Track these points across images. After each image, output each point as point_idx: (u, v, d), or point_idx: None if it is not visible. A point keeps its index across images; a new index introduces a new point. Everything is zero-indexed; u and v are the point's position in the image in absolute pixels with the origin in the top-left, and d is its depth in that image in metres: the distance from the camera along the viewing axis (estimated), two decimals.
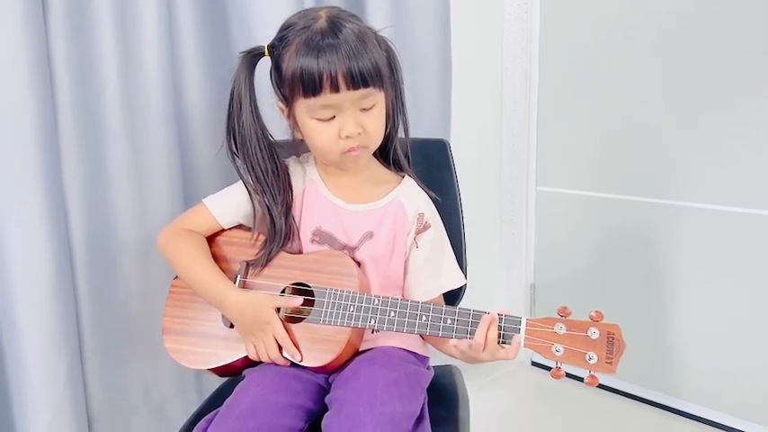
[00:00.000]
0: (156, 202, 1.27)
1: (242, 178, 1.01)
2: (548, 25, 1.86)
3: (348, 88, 0.89)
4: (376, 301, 0.92)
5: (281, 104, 0.98)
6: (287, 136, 1.03)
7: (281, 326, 0.94)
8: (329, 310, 0.93)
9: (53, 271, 1.13)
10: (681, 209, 1.64)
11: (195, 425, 0.92)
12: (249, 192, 1.01)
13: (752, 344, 1.57)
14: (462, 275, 1.09)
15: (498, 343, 0.87)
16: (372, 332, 1.00)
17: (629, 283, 1.77)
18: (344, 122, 0.93)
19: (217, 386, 1.13)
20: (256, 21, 1.30)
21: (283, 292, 0.98)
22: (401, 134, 1.07)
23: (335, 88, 0.89)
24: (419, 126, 1.50)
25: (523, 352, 0.86)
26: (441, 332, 0.89)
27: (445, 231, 1.09)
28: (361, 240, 1.01)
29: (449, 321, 0.89)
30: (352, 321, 0.92)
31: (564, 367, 0.86)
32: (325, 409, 0.90)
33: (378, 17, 1.44)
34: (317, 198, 1.03)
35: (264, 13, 1.29)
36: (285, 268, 1.00)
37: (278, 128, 1.02)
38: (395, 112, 1.03)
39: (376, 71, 0.91)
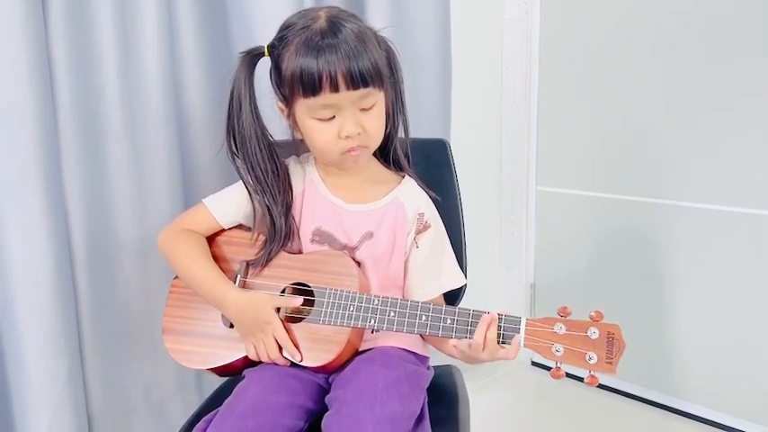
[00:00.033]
0: (156, 202, 1.27)
1: (242, 178, 1.01)
2: (548, 25, 1.86)
3: (348, 88, 0.89)
4: (376, 301, 0.92)
5: (280, 104, 0.98)
6: (287, 136, 1.03)
7: (281, 326, 0.94)
8: (329, 310, 0.93)
9: (53, 271, 1.13)
10: (681, 209, 1.64)
11: (195, 425, 0.92)
12: (249, 192, 1.01)
13: (752, 344, 1.57)
14: (462, 275, 1.09)
15: (498, 343, 0.87)
16: (372, 332, 1.00)
17: (629, 283, 1.77)
18: (344, 122, 0.93)
19: (217, 386, 1.13)
20: (256, 21, 1.30)
21: (283, 291, 0.99)
22: (401, 134, 1.07)
23: (335, 88, 0.89)
24: (419, 126, 1.50)
25: (523, 352, 0.86)
26: (440, 332, 0.89)
27: (445, 231, 1.09)
28: (361, 240, 1.01)
29: (448, 321, 0.89)
30: (352, 321, 0.92)
31: (564, 367, 0.86)
32: (325, 409, 0.90)
33: (378, 17, 1.44)
34: (316, 198, 1.03)
35: (264, 13, 1.29)
36: (285, 268, 1.00)
37: (278, 128, 1.02)
38: (395, 111, 1.03)
39: (376, 71, 0.91)
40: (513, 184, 2.00)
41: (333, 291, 0.94)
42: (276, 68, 0.96)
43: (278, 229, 1.00)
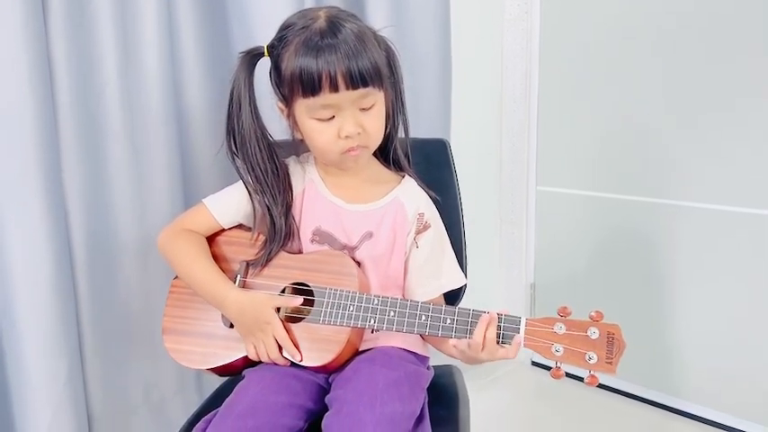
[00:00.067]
0: (156, 202, 1.27)
1: (242, 178, 1.01)
2: (548, 25, 1.86)
3: (347, 88, 0.89)
4: (375, 301, 0.92)
5: (280, 104, 0.98)
6: (287, 136, 1.03)
7: (281, 326, 0.94)
8: (329, 309, 0.93)
9: (53, 271, 1.13)
10: (681, 209, 1.64)
11: (195, 425, 0.92)
12: (249, 192, 1.01)
13: (752, 344, 1.57)
14: (462, 275, 1.09)
15: (498, 343, 0.87)
16: (372, 332, 1.00)
17: (629, 283, 1.77)
18: (344, 122, 0.93)
19: (217, 386, 1.13)
20: (256, 21, 1.30)
21: (283, 291, 0.98)
22: (401, 134, 1.07)
23: (335, 88, 0.89)
24: (419, 126, 1.50)
25: (523, 352, 0.86)
26: (440, 332, 0.89)
27: (445, 231, 1.09)
28: (360, 240, 1.01)
29: (448, 321, 0.89)
30: (352, 321, 0.92)
31: (564, 367, 0.86)
32: (325, 408, 0.90)
33: (378, 17, 1.44)
34: (316, 198, 1.03)
35: (264, 13, 1.29)
36: (285, 268, 1.00)
37: (278, 128, 1.02)
38: (395, 111, 1.03)
39: (375, 71, 0.91)
40: (513, 184, 2.00)
41: (333, 291, 0.94)
42: (276, 68, 0.96)
43: (278, 229, 1.00)
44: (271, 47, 0.96)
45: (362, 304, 0.92)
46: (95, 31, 1.18)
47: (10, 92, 1.06)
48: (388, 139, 1.04)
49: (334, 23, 0.90)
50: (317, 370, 0.95)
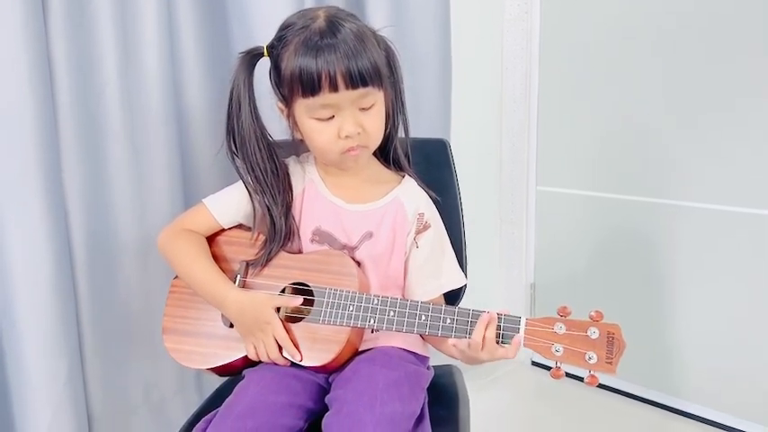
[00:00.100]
0: (156, 202, 1.27)
1: (242, 178, 1.01)
2: (548, 25, 1.86)
3: (347, 88, 0.89)
4: (375, 301, 0.92)
5: (280, 104, 0.98)
6: (287, 136, 1.03)
7: (281, 326, 0.94)
8: (329, 309, 0.93)
9: (53, 271, 1.13)
10: (681, 209, 1.64)
11: (195, 425, 0.92)
12: (249, 192, 1.01)
13: (752, 344, 1.57)
14: (462, 275, 1.09)
15: (498, 343, 0.87)
16: (372, 332, 1.00)
17: (629, 283, 1.77)
18: (344, 122, 0.93)
19: (217, 386, 1.13)
20: (256, 21, 1.30)
21: (283, 291, 0.98)
22: (401, 134, 1.06)
23: (334, 88, 0.89)
24: (419, 126, 1.50)
25: (523, 352, 0.86)
26: (440, 332, 0.89)
27: (445, 231, 1.09)
28: (360, 240, 1.01)
29: (448, 321, 0.89)
30: (352, 321, 0.92)
31: (564, 367, 0.86)
32: (325, 408, 0.90)
33: (378, 17, 1.44)
34: (316, 198, 1.03)
35: (264, 13, 1.29)
36: (285, 268, 1.00)
37: (278, 128, 1.02)
38: (395, 111, 1.03)
39: (375, 70, 0.91)
40: (513, 184, 2.00)
41: (332, 290, 0.94)
42: (275, 68, 0.96)
43: (278, 229, 1.00)
44: (270, 47, 0.96)
45: (362, 304, 0.92)
46: (95, 31, 1.18)
47: (10, 92, 1.06)
48: (388, 138, 1.04)
49: (334, 23, 0.90)
50: (316, 370, 0.95)
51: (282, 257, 1.01)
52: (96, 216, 1.23)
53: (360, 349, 0.99)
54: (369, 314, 0.92)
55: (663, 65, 1.62)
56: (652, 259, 1.72)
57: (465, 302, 1.02)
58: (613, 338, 0.84)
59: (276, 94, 0.98)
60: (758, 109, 1.48)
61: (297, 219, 1.03)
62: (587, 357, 0.84)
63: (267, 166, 1.00)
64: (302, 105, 0.93)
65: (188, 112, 1.31)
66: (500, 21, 1.92)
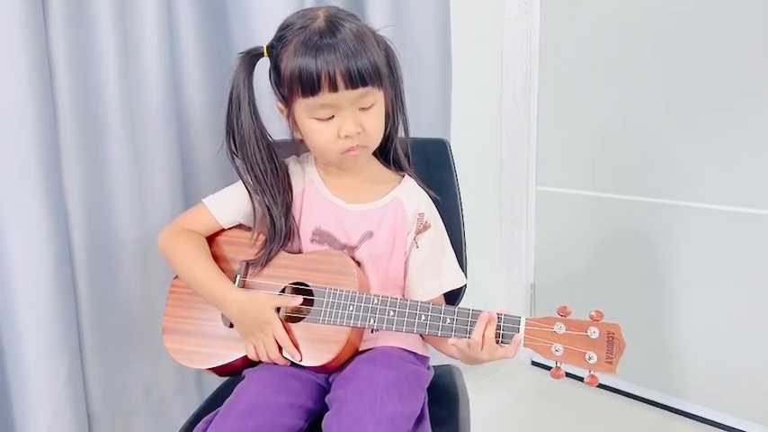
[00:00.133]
0: (156, 202, 1.27)
1: (241, 178, 1.01)
2: (548, 25, 1.86)
3: (346, 87, 0.89)
4: (375, 301, 0.92)
5: (280, 104, 0.98)
6: (286, 136, 1.03)
7: (281, 326, 0.94)
8: (329, 309, 0.93)
9: (53, 271, 1.13)
10: (681, 209, 1.64)
11: (195, 425, 0.92)
12: (249, 192, 1.01)
13: (752, 344, 1.57)
14: (462, 275, 1.09)
15: (497, 342, 0.87)
16: (372, 332, 1.00)
17: (629, 283, 1.77)
18: (343, 122, 0.93)
19: (217, 386, 1.13)
20: (256, 21, 1.30)
21: (283, 291, 0.98)
22: (401, 134, 1.06)
23: (334, 87, 0.89)
24: (419, 126, 1.50)
25: (523, 352, 0.86)
26: (440, 332, 0.89)
27: (445, 231, 1.09)
28: (360, 240, 1.01)
29: (448, 321, 0.89)
30: (352, 321, 0.92)
31: (564, 367, 0.86)
32: (325, 408, 0.90)
33: (377, 17, 1.44)
34: (316, 198, 1.03)
35: (264, 13, 1.29)
36: (285, 268, 1.00)
37: (277, 128, 1.02)
38: (394, 111, 1.03)
39: (374, 70, 0.91)
40: (513, 184, 2.00)
41: (332, 290, 0.94)
42: (275, 68, 0.96)
43: (278, 228, 1.00)
44: (270, 47, 0.96)
45: (362, 304, 0.92)
46: (95, 31, 1.18)
47: (10, 92, 1.06)
48: (387, 138, 1.04)
49: (333, 23, 0.90)
50: (316, 370, 0.95)
51: (282, 257, 1.01)
52: (96, 216, 1.23)
53: (360, 349, 0.99)
54: (369, 314, 0.92)
55: (663, 65, 1.62)
56: (652, 259, 1.72)
57: (465, 302, 1.02)
58: (613, 338, 0.84)
59: (276, 94, 0.98)
60: (758, 109, 1.48)
61: (297, 219, 1.03)
62: (587, 357, 0.84)
63: (267, 166, 1.00)
64: (302, 105, 0.93)
65: (188, 112, 1.31)
66: (500, 21, 1.92)
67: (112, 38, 1.19)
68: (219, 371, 1.01)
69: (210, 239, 1.05)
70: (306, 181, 1.05)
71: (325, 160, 1.03)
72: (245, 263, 1.01)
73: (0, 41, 1.04)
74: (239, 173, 1.01)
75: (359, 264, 1.00)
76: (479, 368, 1.00)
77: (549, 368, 0.87)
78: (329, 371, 0.96)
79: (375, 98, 0.94)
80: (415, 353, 1.03)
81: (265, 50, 0.96)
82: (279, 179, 1.01)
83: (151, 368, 1.34)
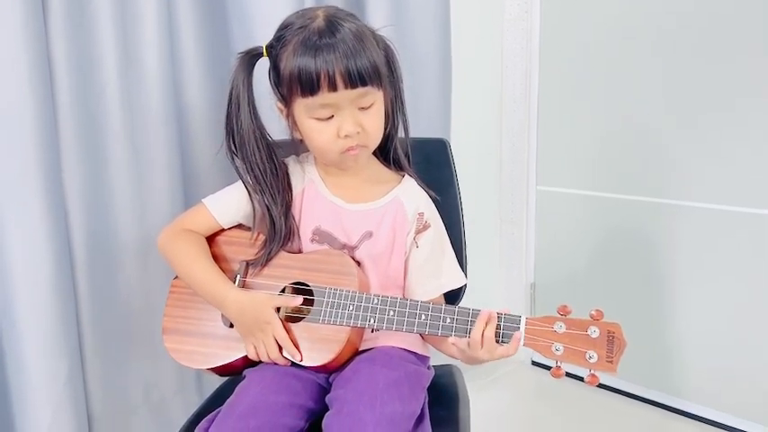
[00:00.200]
0: (156, 202, 1.27)
1: (241, 178, 1.01)
2: (548, 25, 1.86)
3: (346, 87, 0.89)
4: (375, 301, 0.92)
5: (279, 104, 0.98)
6: (286, 136, 1.03)
7: (281, 326, 0.94)
8: (329, 309, 0.93)
9: (53, 271, 1.13)
10: (681, 209, 1.64)
11: (195, 425, 0.92)
12: (249, 192, 1.01)
13: (752, 344, 1.57)
14: (463, 275, 1.09)
15: (497, 342, 0.87)
16: (372, 331, 1.00)
17: (629, 283, 1.77)
18: (343, 121, 0.93)
19: (217, 386, 1.13)
20: (256, 21, 1.30)
21: (283, 291, 0.98)
22: (401, 133, 1.06)
23: (333, 87, 0.89)
24: (419, 126, 1.50)
25: (524, 351, 0.86)
26: (440, 331, 0.89)
27: (445, 231, 1.09)
28: (360, 240, 1.01)
29: (448, 320, 0.89)
30: (352, 321, 0.92)
31: (564, 366, 0.86)
32: (325, 408, 0.90)
33: (377, 17, 1.44)
34: (316, 197, 1.03)
35: (264, 13, 1.29)
36: (285, 268, 1.00)
37: (277, 128, 1.02)
38: (394, 111, 1.03)
39: (374, 70, 0.91)
40: (513, 183, 2.00)
41: (332, 290, 0.94)
42: (275, 68, 0.96)
43: (278, 228, 1.00)
44: (269, 47, 0.96)
45: (362, 304, 0.92)
46: (95, 31, 1.18)
47: (10, 92, 1.06)
48: (387, 138, 1.04)
49: (333, 23, 0.90)
50: (317, 370, 0.95)
51: (282, 257, 1.01)
52: (96, 216, 1.23)
53: (360, 349, 0.99)
54: (369, 314, 0.92)
55: (663, 65, 1.62)
56: (652, 259, 1.72)
57: (465, 302, 1.02)
58: (614, 337, 0.84)
59: (275, 93, 0.98)
60: (758, 109, 1.48)
61: (297, 218, 1.03)
62: (588, 356, 0.84)
63: (266, 166, 1.00)
64: (301, 105, 0.93)
65: (188, 112, 1.32)
66: (500, 21, 1.92)
67: (112, 38, 1.19)
68: (220, 371, 1.01)
69: (210, 239, 1.05)
70: (306, 181, 1.05)
71: (324, 160, 1.03)
72: (245, 263, 1.01)
73: (0, 41, 1.04)
74: (239, 173, 1.01)
75: (359, 263, 1.00)
76: (479, 368, 1.00)
77: (549, 368, 0.87)
78: (329, 371, 0.96)
79: (375, 98, 0.94)
80: (415, 353, 1.03)
81: (265, 50, 0.96)
82: (278, 179, 1.01)
83: (151, 368, 1.34)
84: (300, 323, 0.95)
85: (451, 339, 0.90)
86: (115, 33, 1.19)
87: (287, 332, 0.94)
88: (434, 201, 1.07)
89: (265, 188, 1.00)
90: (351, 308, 0.92)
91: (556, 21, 1.84)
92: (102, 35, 1.18)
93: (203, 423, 0.90)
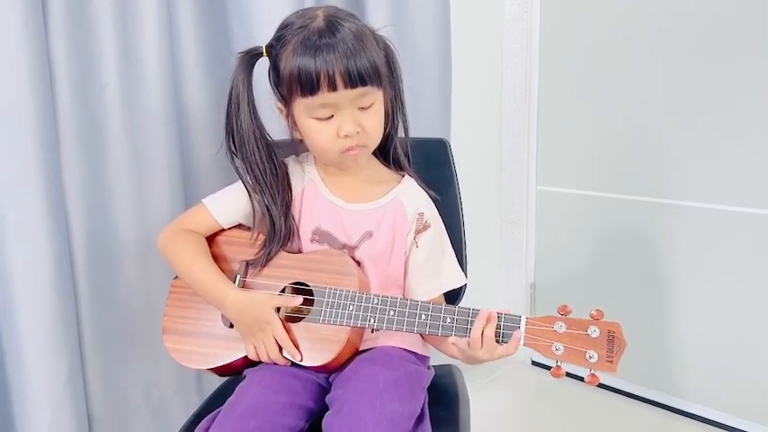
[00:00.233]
0: (156, 202, 1.27)
1: (241, 178, 1.01)
2: (548, 25, 1.86)
3: (346, 87, 0.89)
4: (375, 301, 0.92)
5: (279, 104, 0.98)
6: (286, 136, 1.03)
7: (281, 326, 0.94)
8: (329, 309, 0.93)
9: (53, 271, 1.13)
10: (681, 209, 1.64)
11: (195, 425, 0.92)
12: (248, 192, 1.01)
13: (752, 344, 1.57)
14: (463, 275, 1.09)
15: (497, 342, 0.87)
16: (372, 331, 1.00)
17: (629, 283, 1.77)
18: (343, 121, 0.92)
19: (217, 386, 1.13)
20: (256, 21, 1.30)
21: (283, 291, 0.98)
22: (401, 133, 1.06)
23: (333, 87, 0.89)
24: (418, 126, 1.50)
25: (524, 351, 0.86)
26: (440, 331, 0.89)
27: (445, 231, 1.09)
28: (360, 240, 1.01)
29: (448, 320, 0.89)
30: (352, 321, 0.92)
31: (564, 366, 0.85)
32: (325, 408, 0.90)
33: (377, 17, 1.44)
34: (316, 197, 1.03)
35: (264, 13, 1.29)
36: (285, 268, 1.00)
37: (277, 128, 1.02)
38: (394, 111, 1.03)
39: (374, 70, 0.91)
40: (513, 183, 2.00)
41: (332, 290, 0.94)
42: (274, 68, 0.96)
43: (277, 228, 1.00)
44: (269, 47, 0.96)
45: (362, 304, 0.92)
46: (95, 31, 1.18)
47: (10, 92, 1.06)
48: (387, 138, 1.04)
49: (333, 23, 0.90)
50: (317, 370, 0.95)
51: (282, 257, 1.00)
52: (96, 216, 1.23)
53: (360, 349, 0.99)
54: (369, 314, 0.92)
55: (663, 65, 1.62)
56: (652, 259, 1.72)
57: (465, 302, 1.02)
58: (614, 337, 0.84)
59: (275, 93, 0.98)
60: (758, 109, 1.48)
61: (296, 218, 1.03)
62: (588, 356, 0.84)
63: (266, 166, 1.00)
64: (301, 105, 0.93)
65: (188, 112, 1.32)
66: (500, 21, 1.92)
67: (112, 38, 1.19)
68: (220, 371, 1.01)
69: (210, 239, 1.05)
70: (305, 181, 1.05)
71: (324, 160, 1.03)
72: (244, 263, 1.01)
73: (0, 41, 1.04)
74: (239, 173, 1.01)
75: (359, 263, 1.00)
76: (479, 368, 1.00)
77: (549, 368, 0.87)
78: (329, 371, 0.96)
79: (374, 98, 0.94)
80: (415, 353, 1.03)
81: (264, 50, 0.96)
82: (278, 179, 1.01)
83: (151, 368, 1.34)
84: (300, 323, 0.95)
85: (452, 339, 0.90)
86: (115, 33, 1.19)
87: (287, 332, 0.94)
88: (434, 201, 1.07)
89: (265, 188, 1.00)
90: (351, 308, 0.92)
91: (556, 21, 1.84)
92: (102, 35, 1.18)
93: (203, 423, 0.90)
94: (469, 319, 0.88)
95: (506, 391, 1.91)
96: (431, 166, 1.15)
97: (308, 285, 0.97)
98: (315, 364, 0.93)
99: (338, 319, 0.92)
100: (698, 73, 1.56)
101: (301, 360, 0.93)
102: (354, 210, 1.03)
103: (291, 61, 0.90)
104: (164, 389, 1.37)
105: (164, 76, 1.24)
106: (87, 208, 1.22)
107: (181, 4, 1.28)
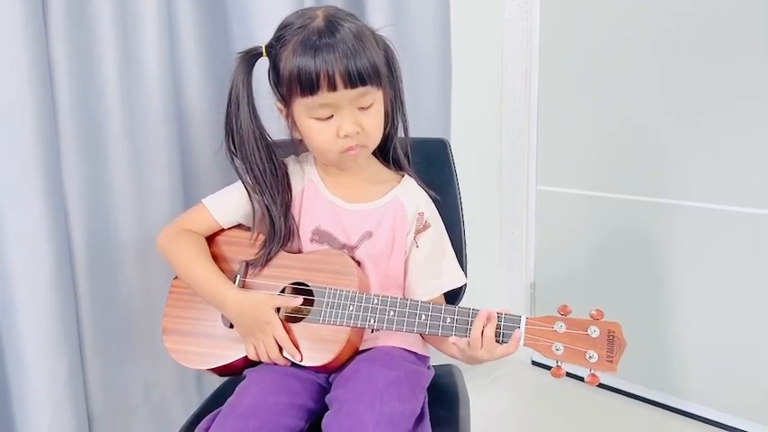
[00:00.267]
0: (156, 202, 1.27)
1: (241, 178, 1.01)
2: (548, 25, 1.86)
3: (345, 87, 0.89)
4: (375, 301, 0.92)
5: (279, 104, 0.98)
6: (286, 136, 1.03)
7: (281, 326, 0.94)
8: (329, 309, 0.93)
9: (53, 271, 1.13)
10: (681, 208, 1.64)
11: (195, 425, 0.92)
12: (248, 192, 1.01)
13: (752, 344, 1.57)
14: (463, 275, 1.09)
15: (497, 342, 0.87)
16: (372, 331, 1.00)
17: (629, 283, 1.77)
18: (343, 121, 0.92)
19: (217, 386, 1.13)
20: (256, 21, 1.30)
21: (283, 291, 0.98)
22: (401, 133, 1.06)
23: (333, 87, 0.89)
24: (418, 126, 1.50)
25: (523, 351, 0.87)
26: (440, 331, 0.89)
27: (445, 231, 1.09)
28: (360, 240, 1.01)
29: (448, 320, 0.89)
30: (352, 321, 0.92)
31: (564, 366, 0.85)
32: (325, 408, 0.90)
33: (377, 17, 1.44)
34: (316, 197, 1.03)
35: (264, 13, 1.29)
36: (285, 268, 1.00)
37: (277, 128, 1.02)
38: (394, 111, 1.03)
39: (373, 70, 0.91)
40: (513, 183, 2.00)
41: (332, 290, 0.94)
42: (274, 68, 0.96)
43: (277, 228, 1.00)
44: (269, 47, 0.96)
45: (362, 304, 0.92)
46: (95, 31, 1.18)
47: (10, 92, 1.06)
48: (387, 138, 1.04)
49: (333, 23, 0.90)
50: (317, 370, 0.95)
51: (282, 257, 1.00)
52: (96, 216, 1.23)
53: (360, 349, 0.99)
54: (369, 314, 0.92)
55: (663, 65, 1.62)
56: (652, 259, 1.72)
57: (465, 302, 1.02)
58: (614, 337, 0.84)
59: (275, 93, 0.98)
60: (758, 109, 1.48)
61: (296, 218, 1.03)
62: (588, 356, 0.84)
63: (266, 166, 1.00)
64: (301, 105, 0.93)
65: (188, 112, 1.32)
66: (500, 21, 1.92)
67: (112, 38, 1.19)
68: (219, 371, 1.01)
69: (210, 239, 1.05)
70: (305, 181, 1.05)
71: (324, 160, 1.03)
72: (244, 263, 1.01)
73: (0, 41, 1.04)
74: (238, 173, 1.01)
75: (359, 263, 1.00)
76: (479, 368, 1.00)
77: (549, 368, 0.87)
78: (329, 371, 0.96)
79: (374, 98, 0.94)
80: (415, 353, 1.03)
81: (264, 50, 0.96)
82: (278, 179, 1.01)
83: (151, 368, 1.34)
84: (300, 323, 0.95)
85: (452, 339, 0.90)
86: (115, 33, 1.19)
87: (287, 332, 0.94)
88: (434, 201, 1.07)
89: (265, 188, 1.00)
90: (351, 308, 0.92)
91: (556, 21, 1.84)
92: (102, 35, 1.18)
93: (203, 423, 0.90)
94: (469, 319, 0.88)
95: (506, 391, 1.91)
96: (431, 166, 1.15)
97: (307, 285, 0.97)
98: (315, 365, 0.93)
99: (338, 320, 0.92)
100: (698, 73, 1.56)
101: (301, 360, 0.93)
102: (354, 210, 1.03)
103: (291, 61, 0.90)
104: (164, 389, 1.37)
105: (164, 76, 1.24)
106: (87, 208, 1.22)
107: (181, 4, 1.28)
